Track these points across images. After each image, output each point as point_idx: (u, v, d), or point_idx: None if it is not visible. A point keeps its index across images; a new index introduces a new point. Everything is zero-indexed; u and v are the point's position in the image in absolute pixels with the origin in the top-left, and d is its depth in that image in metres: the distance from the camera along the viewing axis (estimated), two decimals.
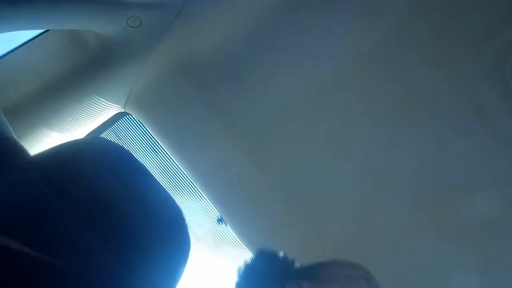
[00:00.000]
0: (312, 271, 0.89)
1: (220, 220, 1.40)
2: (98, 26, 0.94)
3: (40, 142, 1.10)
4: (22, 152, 0.52)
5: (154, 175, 0.55)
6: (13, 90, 0.96)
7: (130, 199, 0.48)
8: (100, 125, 1.31)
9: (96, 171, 0.48)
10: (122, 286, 0.45)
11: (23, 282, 0.41)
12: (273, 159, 1.30)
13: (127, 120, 1.35)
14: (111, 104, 1.25)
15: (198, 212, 1.43)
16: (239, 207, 1.34)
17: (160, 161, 1.38)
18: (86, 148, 0.53)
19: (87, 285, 0.43)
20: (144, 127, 1.31)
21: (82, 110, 1.18)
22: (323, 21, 1.20)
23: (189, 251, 0.53)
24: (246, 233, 1.35)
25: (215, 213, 1.40)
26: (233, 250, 1.45)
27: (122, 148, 0.56)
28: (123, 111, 1.30)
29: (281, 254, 0.95)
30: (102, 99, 1.19)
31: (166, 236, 0.51)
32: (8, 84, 0.96)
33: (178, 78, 1.23)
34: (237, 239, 1.37)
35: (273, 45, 1.22)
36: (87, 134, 1.28)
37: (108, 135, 1.35)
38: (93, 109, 1.22)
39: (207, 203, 1.37)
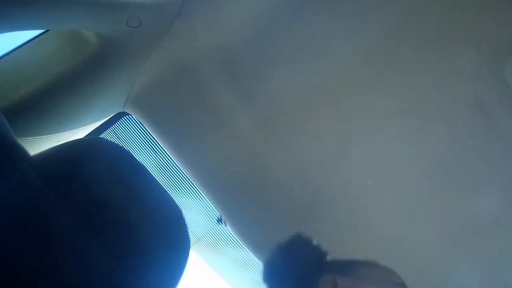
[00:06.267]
0: (348, 267, 0.87)
1: (220, 220, 1.40)
2: (98, 26, 0.94)
3: (40, 143, 1.10)
4: (21, 152, 0.52)
5: (154, 175, 0.55)
6: (12, 90, 0.96)
7: (130, 199, 0.48)
8: (100, 125, 1.31)
9: (95, 171, 0.48)
10: (122, 286, 0.45)
11: (23, 282, 0.41)
12: (274, 159, 1.30)
13: (127, 120, 1.35)
14: (111, 104, 1.25)
15: (198, 212, 1.43)
16: (239, 207, 1.33)
17: (160, 161, 1.38)
18: (86, 148, 0.53)
19: (86, 285, 0.43)
20: (144, 127, 1.31)
21: (82, 110, 1.18)
22: (323, 20, 1.20)
23: (188, 250, 0.53)
24: (246, 233, 1.35)
25: (215, 213, 1.40)
26: (233, 250, 1.45)
27: (122, 148, 0.57)
28: (123, 111, 1.30)
29: (316, 243, 0.93)
30: (102, 99, 1.19)
31: (166, 236, 0.51)
32: (8, 84, 0.96)
33: (178, 78, 1.23)
34: (237, 239, 1.37)
35: (274, 45, 1.22)
36: (87, 134, 1.28)
37: (108, 135, 1.35)
38: (92, 109, 1.22)
39: (207, 203, 1.36)
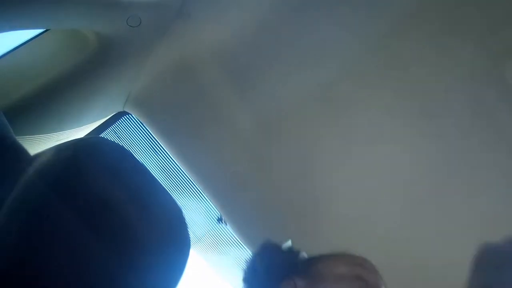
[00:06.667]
0: (308, 267, 0.87)
1: (220, 220, 1.40)
2: (98, 26, 0.94)
3: (40, 142, 1.10)
4: (21, 152, 0.52)
5: (154, 175, 0.55)
6: (13, 90, 0.96)
7: (130, 199, 0.48)
8: (100, 124, 1.31)
9: (96, 171, 0.48)
10: (122, 286, 0.45)
11: (24, 282, 0.41)
12: (274, 159, 1.30)
13: (127, 119, 1.35)
14: (111, 103, 1.25)
15: (198, 212, 1.43)
16: (239, 207, 1.33)
17: (160, 161, 1.38)
18: (86, 147, 0.53)
19: (87, 284, 0.43)
20: (144, 126, 1.31)
21: (82, 110, 1.18)
22: (324, 20, 1.20)
23: (189, 250, 0.53)
24: (246, 233, 1.35)
25: (215, 212, 1.40)
26: (233, 249, 1.45)
27: (122, 147, 0.56)
28: (123, 110, 1.30)
29: (287, 245, 0.92)
30: (102, 99, 1.19)
31: (166, 236, 0.51)
32: (8, 84, 0.96)
33: (178, 77, 1.23)
34: (237, 238, 1.37)
35: (274, 44, 1.22)
36: (87, 134, 1.28)
37: (108, 134, 1.35)
38: (93, 108, 1.22)
39: (207, 203, 1.37)
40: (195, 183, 1.34)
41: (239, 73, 1.25)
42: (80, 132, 1.25)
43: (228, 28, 1.19)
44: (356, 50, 1.21)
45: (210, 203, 1.35)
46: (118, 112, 1.31)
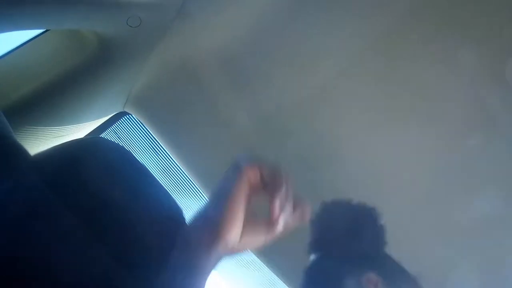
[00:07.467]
0: (396, 275, 0.85)
1: None
2: (98, 26, 0.94)
3: (40, 142, 1.10)
4: (22, 152, 0.52)
5: (154, 175, 0.55)
6: (13, 90, 0.96)
7: (130, 198, 0.48)
8: (100, 125, 1.31)
9: (96, 171, 0.48)
10: (122, 285, 0.45)
11: (23, 281, 0.41)
12: (274, 159, 1.30)
13: (127, 120, 1.35)
14: (111, 103, 1.25)
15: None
16: None
17: (160, 161, 1.38)
18: (86, 148, 0.53)
19: (86, 284, 0.43)
20: (144, 127, 1.31)
21: (82, 110, 1.18)
22: (324, 20, 1.20)
23: None
24: None
25: None
26: None
27: (122, 148, 0.57)
28: (123, 111, 1.30)
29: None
30: (102, 99, 1.19)
31: (166, 236, 0.51)
32: (8, 84, 0.96)
33: (178, 78, 1.23)
34: None
35: (274, 45, 1.22)
36: (87, 134, 1.28)
37: (108, 135, 1.35)
38: (93, 109, 1.22)
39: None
40: (195, 183, 1.34)
41: (239, 73, 1.25)
42: (80, 132, 1.25)
43: (228, 28, 1.19)
44: (356, 50, 1.21)
45: None
46: (118, 112, 1.31)
